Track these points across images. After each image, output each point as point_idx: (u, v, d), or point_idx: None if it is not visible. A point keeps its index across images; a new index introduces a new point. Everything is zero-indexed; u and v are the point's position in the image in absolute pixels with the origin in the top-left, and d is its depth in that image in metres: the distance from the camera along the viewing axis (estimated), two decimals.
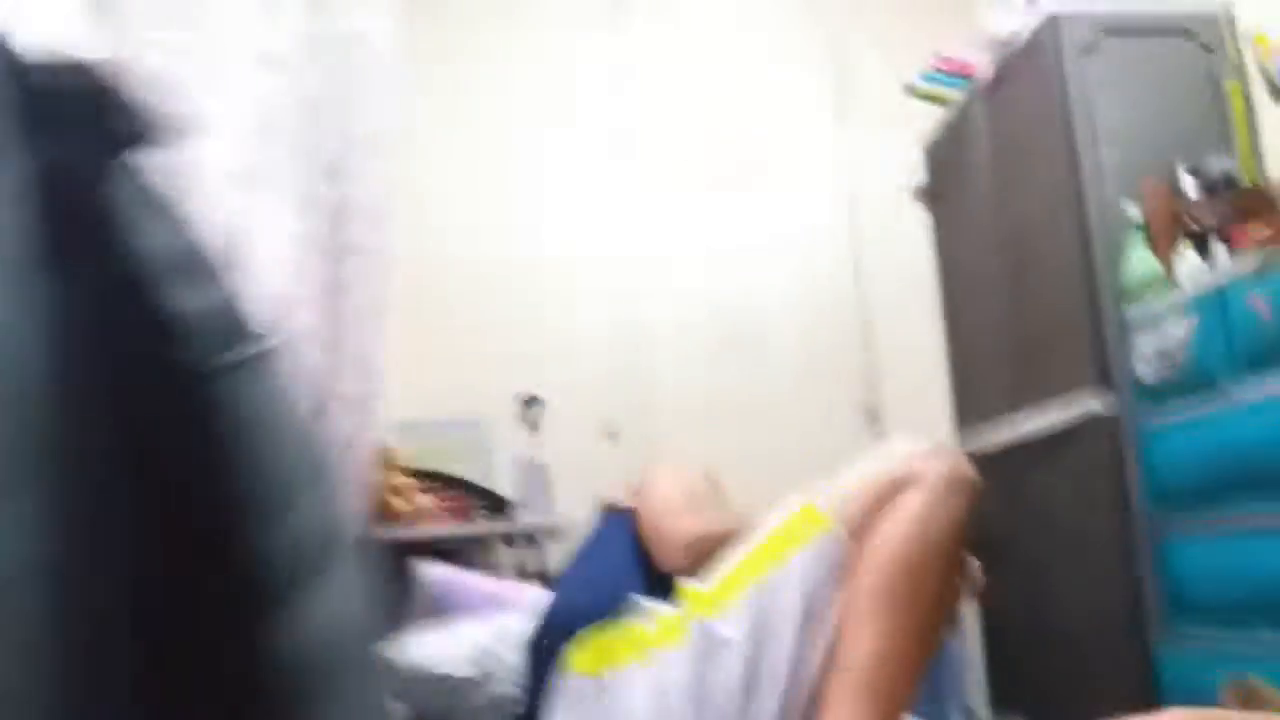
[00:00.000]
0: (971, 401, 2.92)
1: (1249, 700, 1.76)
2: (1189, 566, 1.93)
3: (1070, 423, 2.25)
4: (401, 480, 2.17)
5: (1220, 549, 1.84)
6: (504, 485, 2.53)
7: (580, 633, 1.41)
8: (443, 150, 3.20)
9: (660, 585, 1.48)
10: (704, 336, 3.14)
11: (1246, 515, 1.78)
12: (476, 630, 1.74)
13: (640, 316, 3.15)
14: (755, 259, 3.21)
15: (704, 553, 1.42)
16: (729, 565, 1.35)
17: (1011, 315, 2.63)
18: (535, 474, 2.28)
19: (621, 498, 1.76)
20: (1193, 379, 1.91)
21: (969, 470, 1.34)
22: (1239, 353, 1.81)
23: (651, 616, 1.37)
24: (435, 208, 3.15)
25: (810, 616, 1.25)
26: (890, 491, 1.31)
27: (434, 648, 1.67)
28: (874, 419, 3.04)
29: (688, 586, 1.37)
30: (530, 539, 2.26)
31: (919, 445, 1.36)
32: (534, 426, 2.42)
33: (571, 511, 2.81)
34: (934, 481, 1.30)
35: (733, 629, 1.25)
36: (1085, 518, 2.23)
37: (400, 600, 2.08)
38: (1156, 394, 2.01)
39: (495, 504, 2.52)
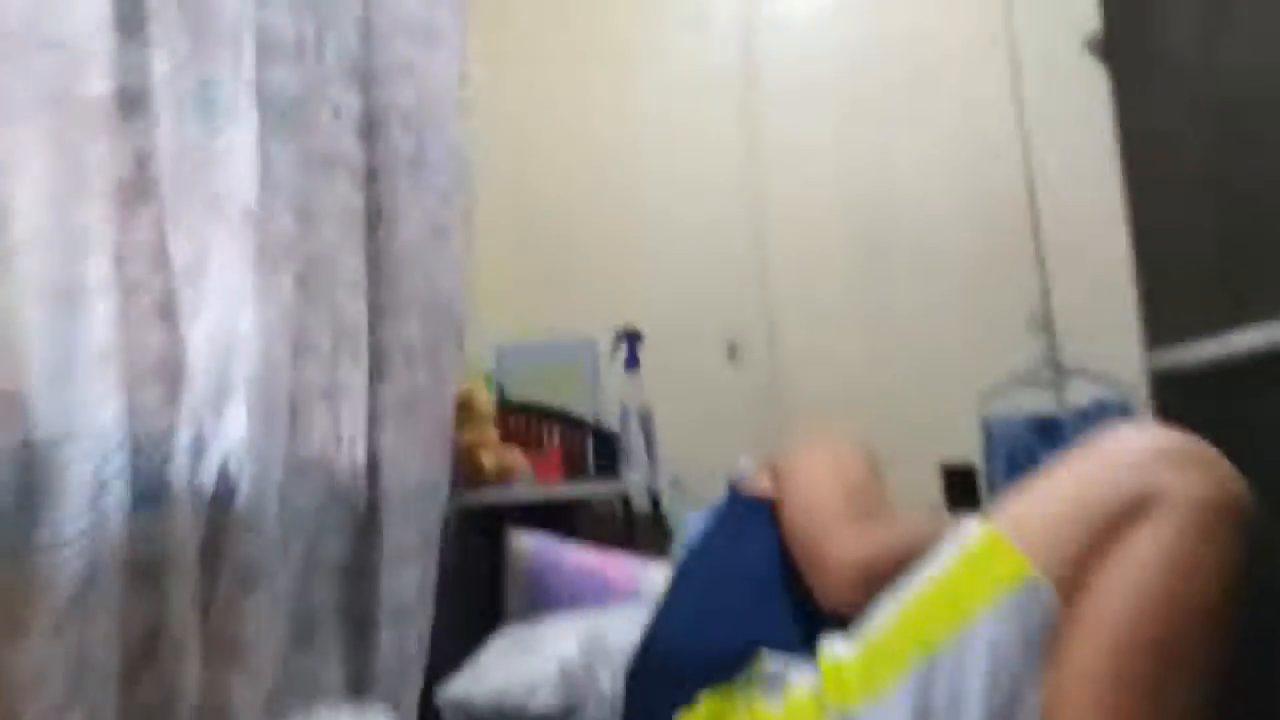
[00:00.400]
0: (1166, 314, 2.42)
1: None
2: None
3: None
4: (488, 432, 1.88)
5: None
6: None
7: (690, 686, 1.10)
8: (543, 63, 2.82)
9: (806, 611, 1.14)
10: (837, 235, 2.69)
11: None
12: (566, 641, 1.45)
13: (764, 217, 2.73)
14: (897, 139, 2.70)
15: (876, 582, 1.04)
16: (884, 622, 1.00)
17: (1221, 201, 2.10)
18: (639, 422, 1.95)
19: (758, 475, 1.40)
20: None
21: (1239, 487, 0.90)
22: None
23: (780, 687, 1.04)
24: (530, 127, 2.79)
25: (999, 713, 0.91)
26: (1119, 521, 0.89)
27: (515, 669, 1.40)
28: (1046, 332, 2.57)
29: (826, 655, 1.04)
30: (640, 502, 1.96)
31: (1158, 441, 0.92)
32: (632, 365, 2.04)
33: (690, 461, 2.50)
34: (1188, 508, 0.87)
35: None
36: None
37: (494, 575, 1.83)
38: None
39: (605, 448, 2.21)
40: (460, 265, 2.09)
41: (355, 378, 1.40)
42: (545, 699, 1.33)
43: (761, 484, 1.33)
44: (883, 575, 1.04)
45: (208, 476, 0.96)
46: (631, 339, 2.06)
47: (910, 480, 2.06)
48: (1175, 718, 0.85)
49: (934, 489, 2.54)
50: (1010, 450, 2.55)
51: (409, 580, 1.51)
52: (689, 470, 2.48)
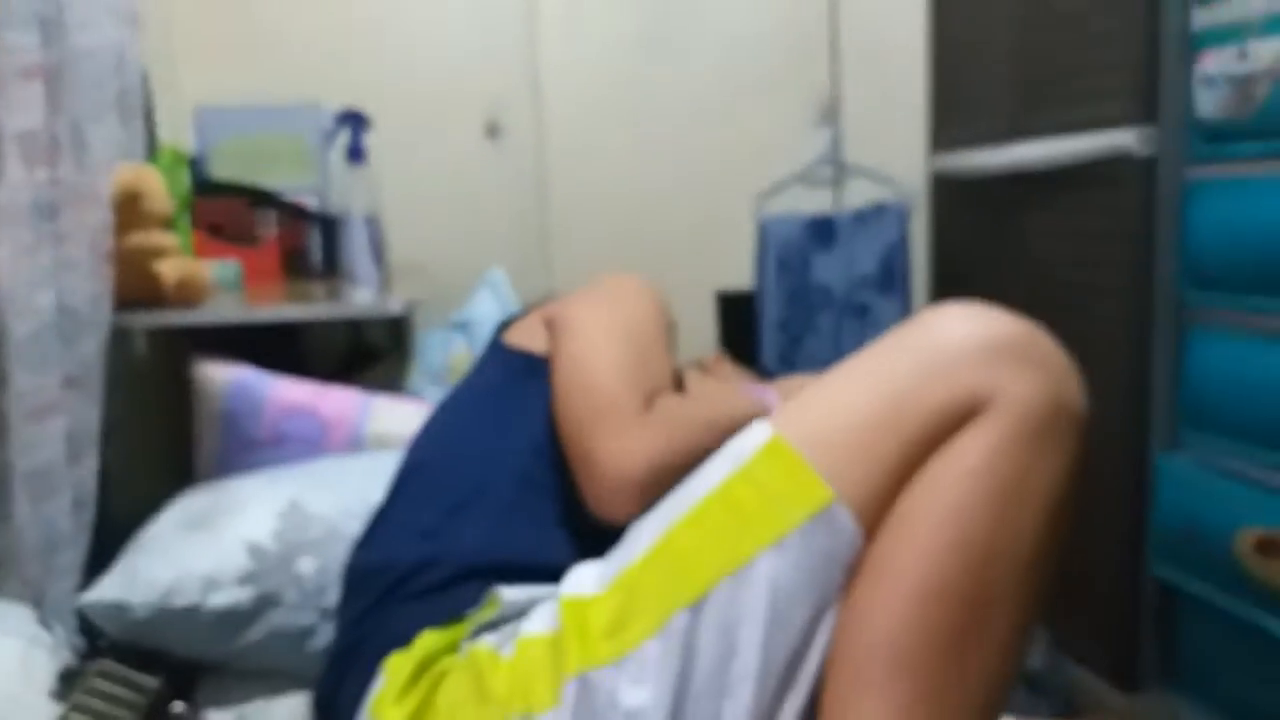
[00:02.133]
0: (956, 119, 2.29)
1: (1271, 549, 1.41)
2: (1216, 365, 1.46)
3: (1091, 156, 1.69)
4: (165, 235, 1.47)
5: (1259, 350, 1.37)
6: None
7: (409, 620, 0.87)
8: None
9: (581, 513, 0.89)
10: (617, 5, 2.33)
11: None
12: (258, 513, 1.18)
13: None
14: None
15: (656, 493, 0.83)
16: (641, 552, 0.76)
17: (1027, 8, 1.96)
18: (367, 229, 1.60)
19: (529, 322, 1.13)
20: (1274, 121, 1.32)
21: (1078, 394, 0.74)
22: None
23: (513, 631, 0.83)
24: None
25: (775, 671, 0.74)
26: (938, 432, 0.72)
27: (189, 556, 1.13)
28: (830, 121, 2.38)
29: (569, 588, 0.83)
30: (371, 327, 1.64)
31: (989, 329, 0.74)
32: (356, 157, 1.65)
33: (438, 251, 2.19)
34: (1021, 414, 0.71)
35: (638, 695, 0.72)
36: (1092, 284, 1.74)
37: (182, 412, 1.50)
38: (1217, 135, 1.43)
39: (335, 242, 1.85)
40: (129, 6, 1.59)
41: None
42: (228, 594, 1.08)
43: (534, 333, 1.08)
44: (664, 484, 0.83)
45: None
46: (355, 123, 1.66)
47: (684, 295, 1.84)
48: (986, 676, 0.72)
49: (709, 316, 2.40)
50: (782, 254, 2.41)
51: (51, 436, 1.17)
52: (437, 261, 2.19)
